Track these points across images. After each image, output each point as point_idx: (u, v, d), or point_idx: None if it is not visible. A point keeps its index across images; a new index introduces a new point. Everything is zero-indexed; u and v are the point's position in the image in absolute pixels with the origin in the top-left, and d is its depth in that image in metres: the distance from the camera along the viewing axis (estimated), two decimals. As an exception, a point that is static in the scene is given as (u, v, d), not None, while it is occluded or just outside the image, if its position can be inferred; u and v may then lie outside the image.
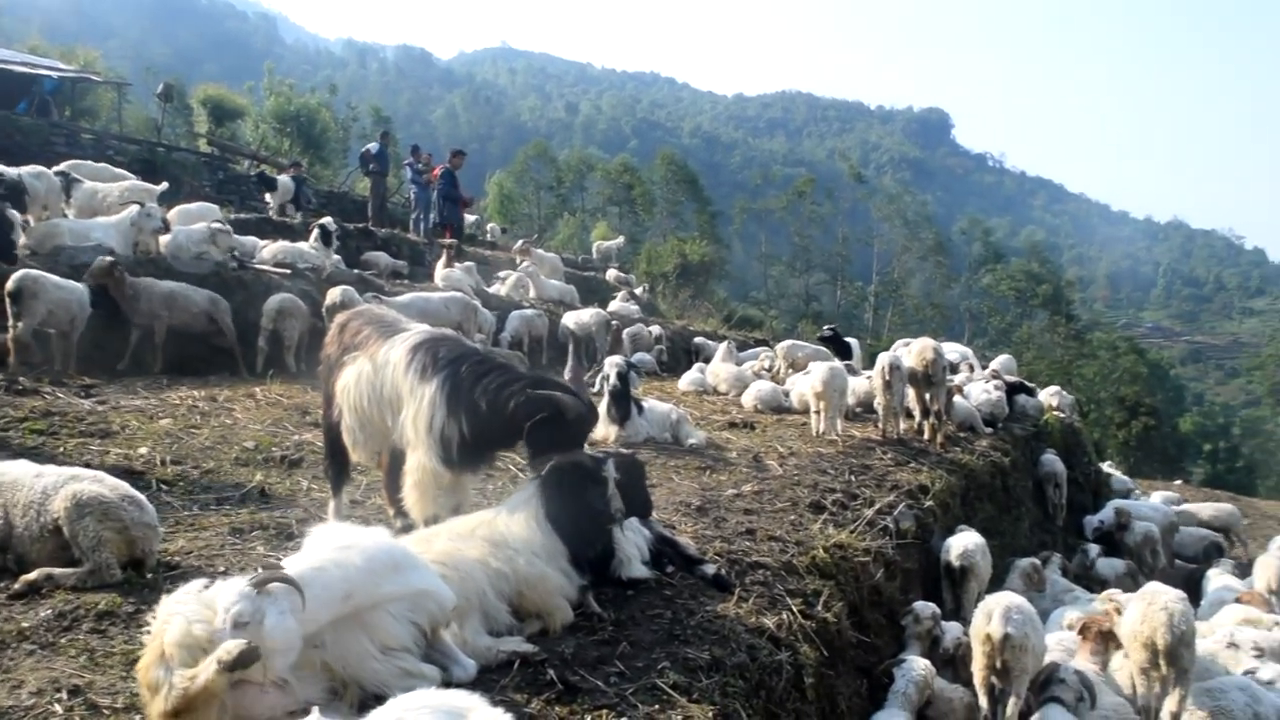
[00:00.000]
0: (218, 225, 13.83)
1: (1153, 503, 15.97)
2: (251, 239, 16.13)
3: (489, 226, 36.22)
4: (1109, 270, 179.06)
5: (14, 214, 10.83)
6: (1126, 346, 59.97)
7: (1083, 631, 7.48)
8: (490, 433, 5.12)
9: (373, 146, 26.05)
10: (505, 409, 5.00)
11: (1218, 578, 12.25)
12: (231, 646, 3.13)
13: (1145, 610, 6.60)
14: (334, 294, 12.16)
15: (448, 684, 3.77)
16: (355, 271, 16.67)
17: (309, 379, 10.67)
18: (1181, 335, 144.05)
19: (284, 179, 24.51)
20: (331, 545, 3.78)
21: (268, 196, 23.83)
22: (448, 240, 20.67)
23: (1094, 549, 12.99)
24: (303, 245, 15.86)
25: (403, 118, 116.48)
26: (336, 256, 16.52)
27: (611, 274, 30.66)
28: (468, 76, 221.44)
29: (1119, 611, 7.15)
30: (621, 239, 38.40)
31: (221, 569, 5.03)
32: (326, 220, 16.76)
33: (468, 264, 19.31)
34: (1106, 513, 14.28)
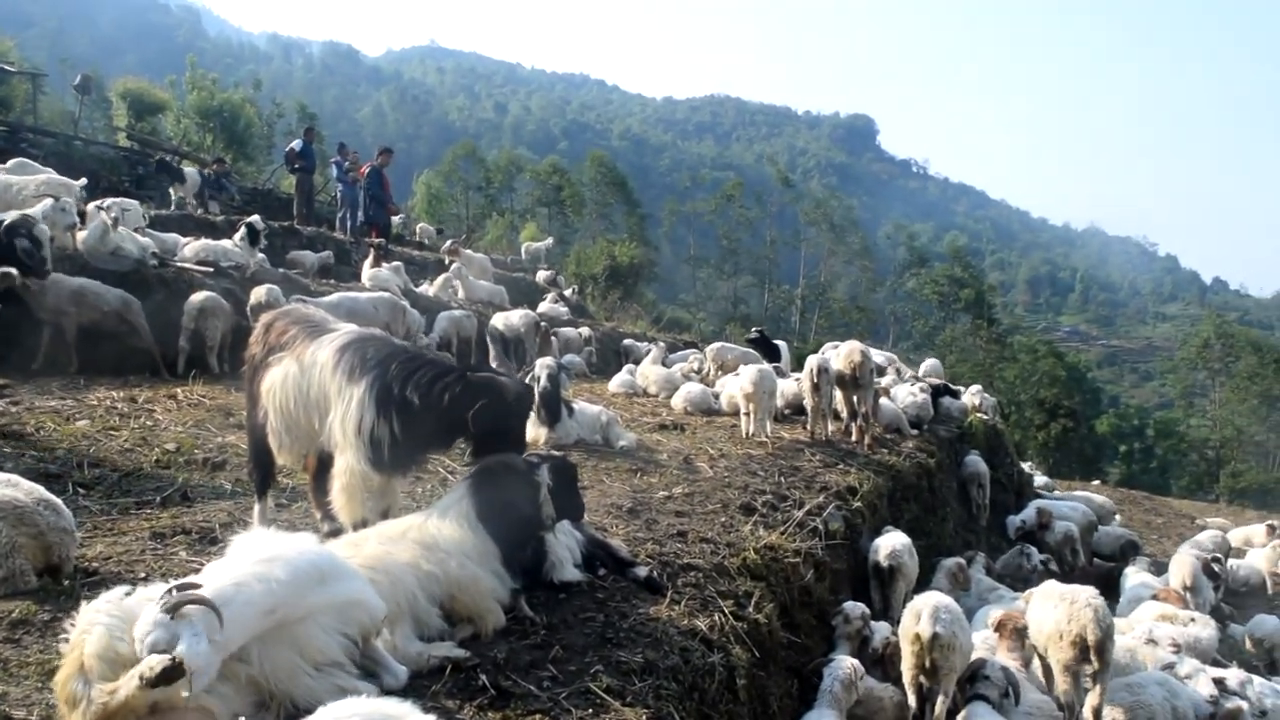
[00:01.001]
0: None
1: (1071, 503, 16.33)
2: (173, 236, 15.74)
3: (420, 227, 35.83)
4: (1029, 275, 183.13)
5: (44, 230, 10.32)
6: (1046, 350, 61.19)
7: (999, 628, 7.62)
8: (424, 430, 5.03)
9: (297, 144, 25.56)
10: (440, 403, 4.92)
11: (1135, 575, 12.57)
12: (155, 662, 3.02)
13: (1070, 609, 6.75)
14: (259, 293, 11.91)
15: (379, 691, 3.71)
16: (280, 271, 16.36)
17: (233, 380, 10.44)
18: (1098, 339, 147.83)
19: (191, 171, 23.93)
20: (254, 557, 3.62)
21: (172, 190, 23.23)
22: (375, 240, 20.39)
23: (1037, 557, 13.21)
24: (226, 243, 15.51)
25: (329, 115, 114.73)
26: (261, 255, 16.18)
27: (541, 275, 30.55)
28: (396, 75, 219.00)
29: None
30: (550, 240, 38.31)
31: (142, 575, 4.88)
32: (254, 218, 16.37)
33: (395, 264, 19.06)
34: (1028, 513, 14.59)
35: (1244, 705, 7.68)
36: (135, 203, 15.33)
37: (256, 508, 5.93)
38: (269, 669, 3.52)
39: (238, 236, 15.76)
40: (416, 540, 4.57)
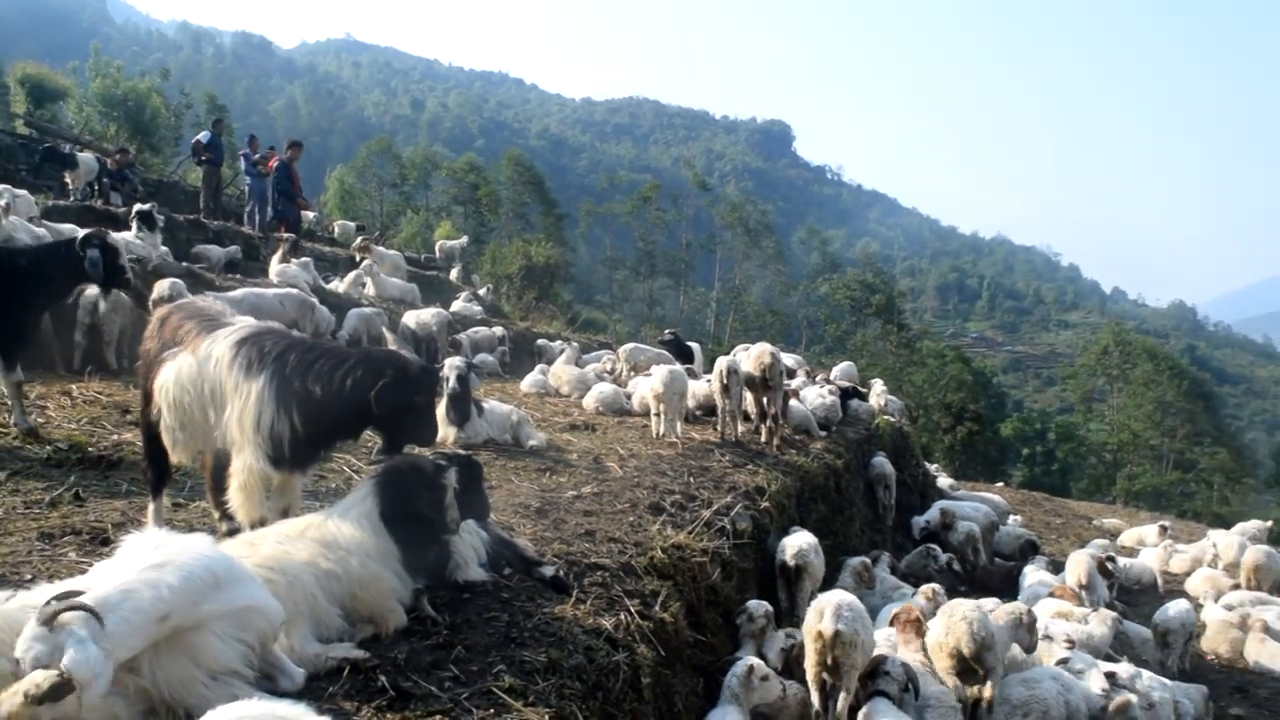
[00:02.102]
0: None
1: (973, 503, 16.71)
2: (69, 227, 15.21)
3: (338, 224, 35.15)
4: (938, 282, 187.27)
5: (118, 240, 9.79)
6: (953, 355, 62.58)
7: (895, 622, 7.79)
8: (328, 421, 4.94)
9: (205, 135, 24.88)
10: (343, 389, 4.83)
11: (1033, 574, 12.92)
12: (40, 679, 2.90)
13: (947, 622, 7.02)
14: (162, 286, 11.60)
15: (274, 694, 3.63)
16: (184, 264, 15.93)
17: (131, 376, 10.13)
18: (1003, 345, 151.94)
19: (86, 156, 23.14)
20: (144, 563, 3.48)
21: (66, 176, 22.46)
22: (284, 235, 19.98)
23: (944, 558, 13.48)
24: (127, 235, 15.05)
25: (240, 107, 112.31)
26: (164, 248, 15.74)
27: (454, 274, 30.28)
28: (309, 67, 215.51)
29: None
30: (465, 239, 37.96)
31: (29, 577, 4.70)
32: (146, 206, 15.85)
33: (305, 260, 18.72)
34: (932, 513, 14.89)
35: (1133, 698, 7.94)
36: (24, 191, 14.82)
37: (151, 507, 5.76)
38: (162, 679, 3.42)
39: (135, 227, 15.29)
40: (316, 539, 4.49)
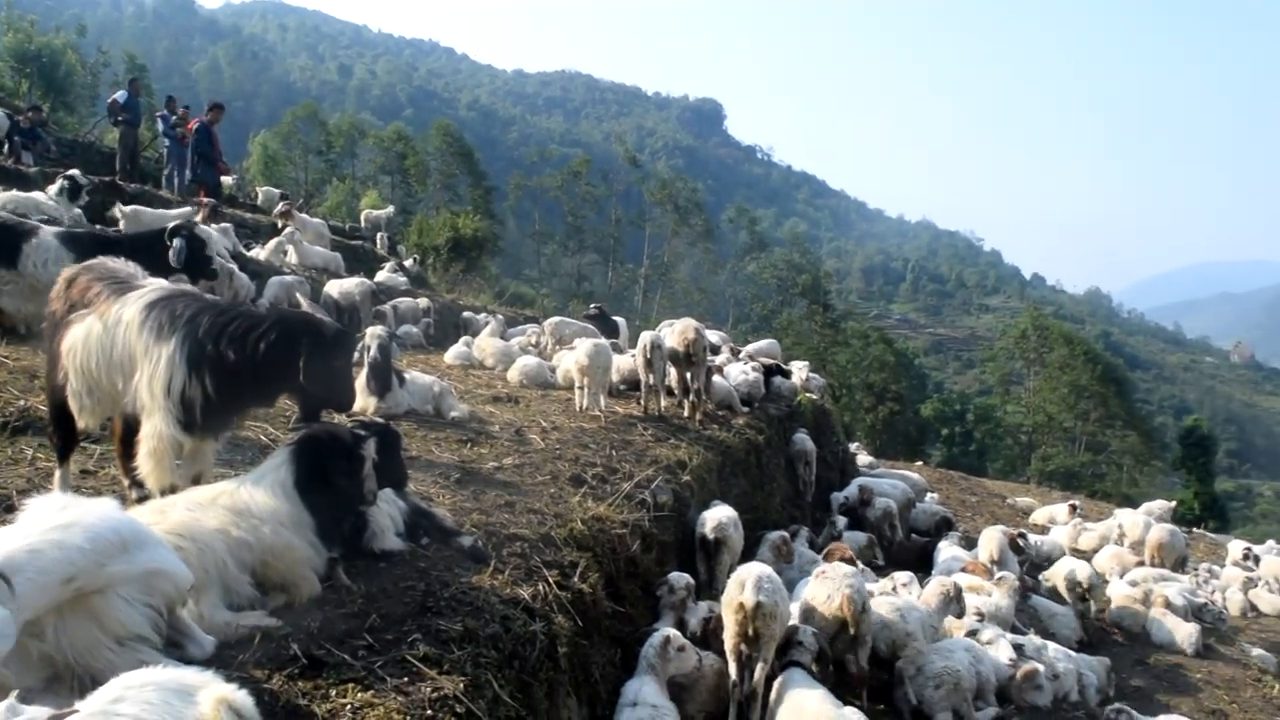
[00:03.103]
0: None
1: (891, 480, 16.99)
2: (-20, 186, 14.72)
3: (262, 190, 34.38)
4: (863, 264, 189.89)
5: (206, 231, 9.43)
6: (877, 336, 63.61)
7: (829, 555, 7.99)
8: (240, 385, 4.86)
9: (121, 95, 24.12)
10: (257, 353, 4.75)
11: (947, 549, 13.21)
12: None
13: (830, 588, 7.25)
14: (71, 250, 11.24)
15: (183, 662, 3.58)
16: (99, 228, 15.47)
17: (38, 340, 9.83)
18: (925, 327, 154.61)
19: (-4, 113, 22.39)
20: (50, 523, 3.39)
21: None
22: (204, 199, 19.50)
23: (841, 522, 13.72)
24: (39, 196, 14.57)
25: (160, 68, 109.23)
26: (78, 210, 15.28)
27: (379, 244, 29.87)
28: (234, 29, 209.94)
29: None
30: (391, 209, 37.42)
31: (-74, 544, 4.56)
32: (75, 172, 15.40)
33: (225, 225, 18.29)
34: (851, 489, 15.11)
35: (1039, 667, 8.22)
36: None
37: (57, 473, 5.60)
38: (66, 643, 3.35)
39: (54, 190, 14.82)
40: (227, 506, 4.42)
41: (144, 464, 4.92)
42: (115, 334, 4.86)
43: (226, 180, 26.06)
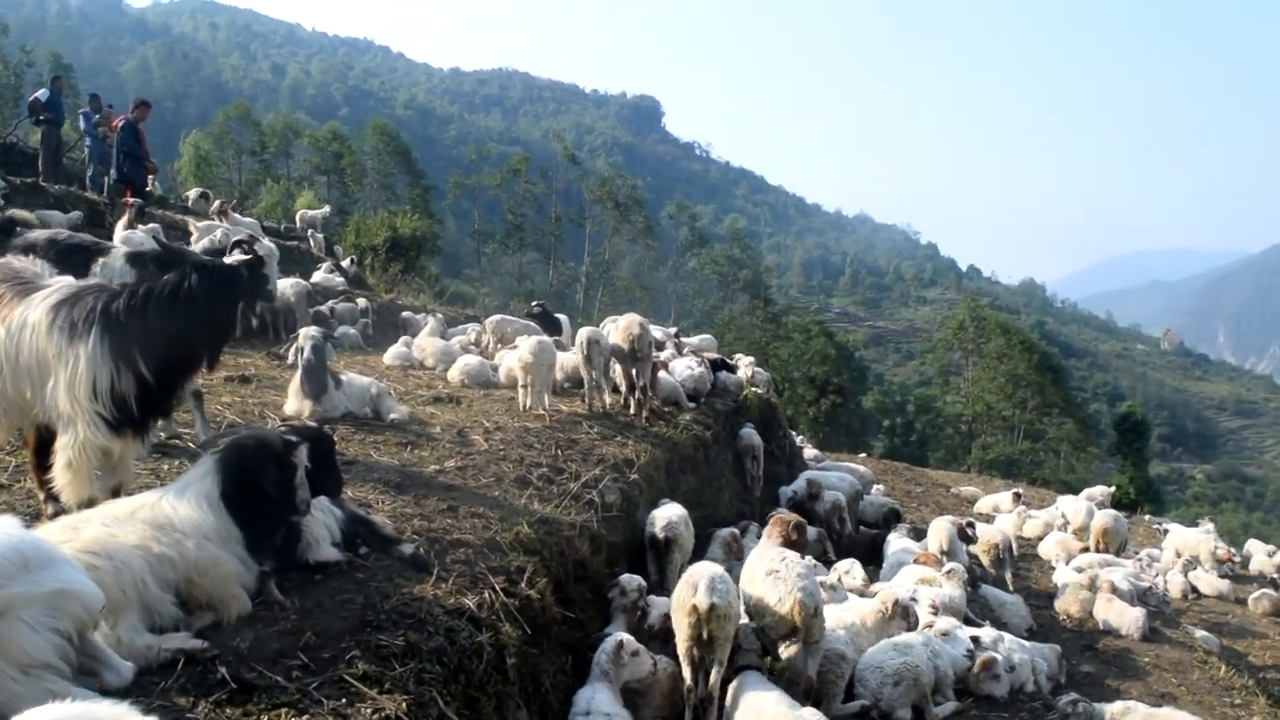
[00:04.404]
0: None
1: (839, 473, 16.95)
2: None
3: (193, 193, 33.51)
4: (803, 258, 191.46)
5: (267, 247, 8.69)
6: (818, 330, 63.95)
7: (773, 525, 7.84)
8: (181, 351, 4.60)
9: (43, 93, 23.37)
10: (194, 301, 4.50)
11: (897, 541, 13.16)
12: None
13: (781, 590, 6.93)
14: (-14, 254, 10.75)
15: (99, 691, 3.30)
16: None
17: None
18: (865, 320, 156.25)
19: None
20: None
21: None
22: (130, 199, 18.88)
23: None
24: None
25: (88, 68, 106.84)
26: (77, 214, 14.73)
27: (315, 244, 29.30)
28: (163, 28, 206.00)
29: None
30: (328, 209, 36.73)
31: None
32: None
33: (153, 226, 17.72)
34: (799, 483, 15.01)
35: (997, 656, 8.15)
36: None
37: (-34, 490, 5.27)
38: (-35, 672, 3.07)
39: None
40: (147, 521, 4.12)
41: (61, 476, 4.62)
42: (21, 339, 4.54)
43: (152, 180, 25.35)
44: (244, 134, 63.14)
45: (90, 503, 4.55)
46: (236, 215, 22.34)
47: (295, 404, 8.76)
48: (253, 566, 4.42)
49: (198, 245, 13.83)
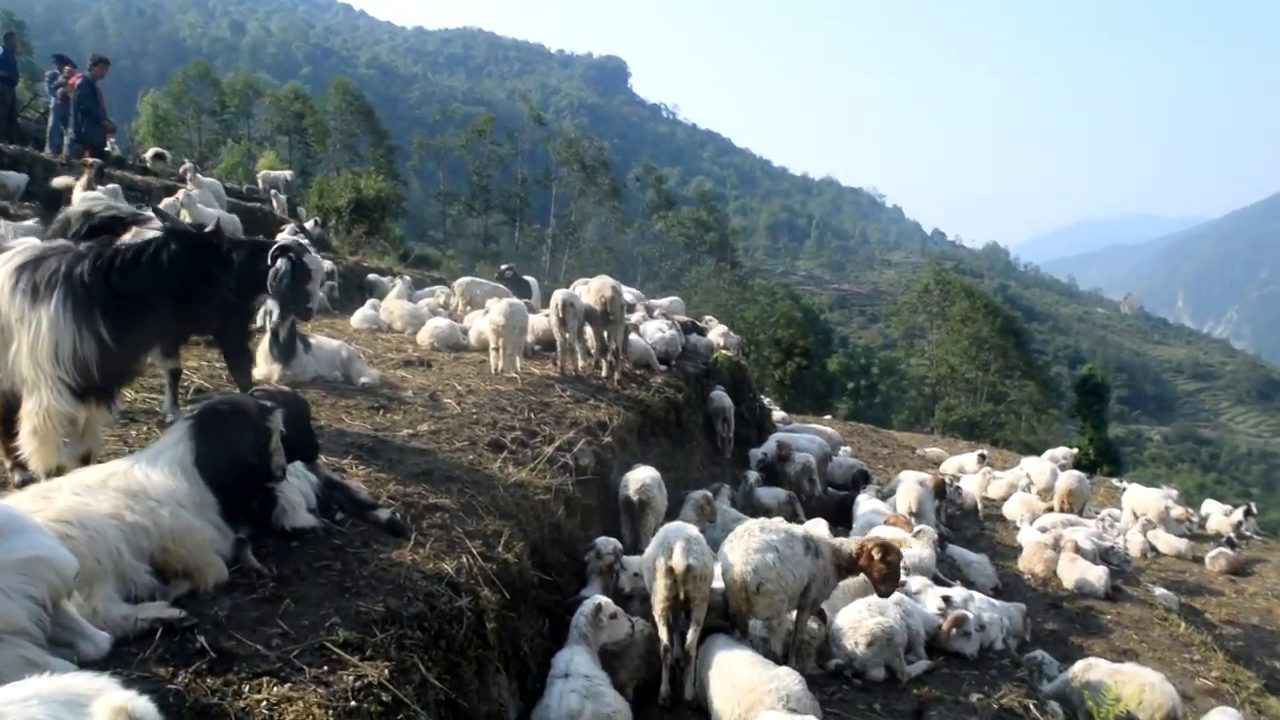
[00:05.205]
0: None
1: (809, 435, 17.03)
2: None
3: (152, 153, 32.87)
4: (769, 221, 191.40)
5: (315, 260, 8.12)
6: (784, 292, 64.10)
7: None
8: (143, 318, 4.47)
9: (-6, 51, 22.74)
10: (159, 270, 4.38)
11: (866, 503, 13.26)
12: None
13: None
14: (-59, 214, 10.50)
15: (75, 663, 3.24)
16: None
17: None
18: (830, 283, 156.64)
19: None
20: None
21: None
22: (89, 160, 18.46)
23: (753, 476, 13.65)
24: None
25: (40, 25, 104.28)
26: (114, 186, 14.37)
27: (278, 206, 28.88)
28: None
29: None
30: (290, 171, 36.20)
31: None
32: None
33: (112, 187, 17.35)
34: (769, 445, 15.07)
35: (967, 614, 8.25)
36: None
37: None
38: (-66, 642, 3.00)
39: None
40: (120, 489, 4.03)
41: (27, 444, 4.52)
42: None
43: (110, 141, 24.84)
44: (203, 93, 61.92)
45: (58, 471, 4.46)
46: (200, 176, 21.96)
47: (264, 368, 8.61)
48: (228, 534, 4.35)
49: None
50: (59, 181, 13.30)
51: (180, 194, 18.89)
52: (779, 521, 7.53)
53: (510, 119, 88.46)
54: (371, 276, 18.94)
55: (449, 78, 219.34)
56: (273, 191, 30.78)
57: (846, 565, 7.25)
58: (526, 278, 18.06)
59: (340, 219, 33.58)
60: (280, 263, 6.87)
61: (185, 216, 17.94)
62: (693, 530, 6.83)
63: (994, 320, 62.99)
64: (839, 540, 7.79)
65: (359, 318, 14.46)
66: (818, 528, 11.22)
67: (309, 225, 26.50)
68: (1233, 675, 11.88)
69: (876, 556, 7.12)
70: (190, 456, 4.31)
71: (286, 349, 8.77)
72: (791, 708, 5.66)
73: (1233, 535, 19.65)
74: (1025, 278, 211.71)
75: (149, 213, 6.60)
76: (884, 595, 7.34)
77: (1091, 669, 8.72)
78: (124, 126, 40.87)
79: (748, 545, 6.84)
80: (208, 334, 5.53)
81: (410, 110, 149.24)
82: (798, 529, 7.33)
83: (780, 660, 6.75)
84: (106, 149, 22.43)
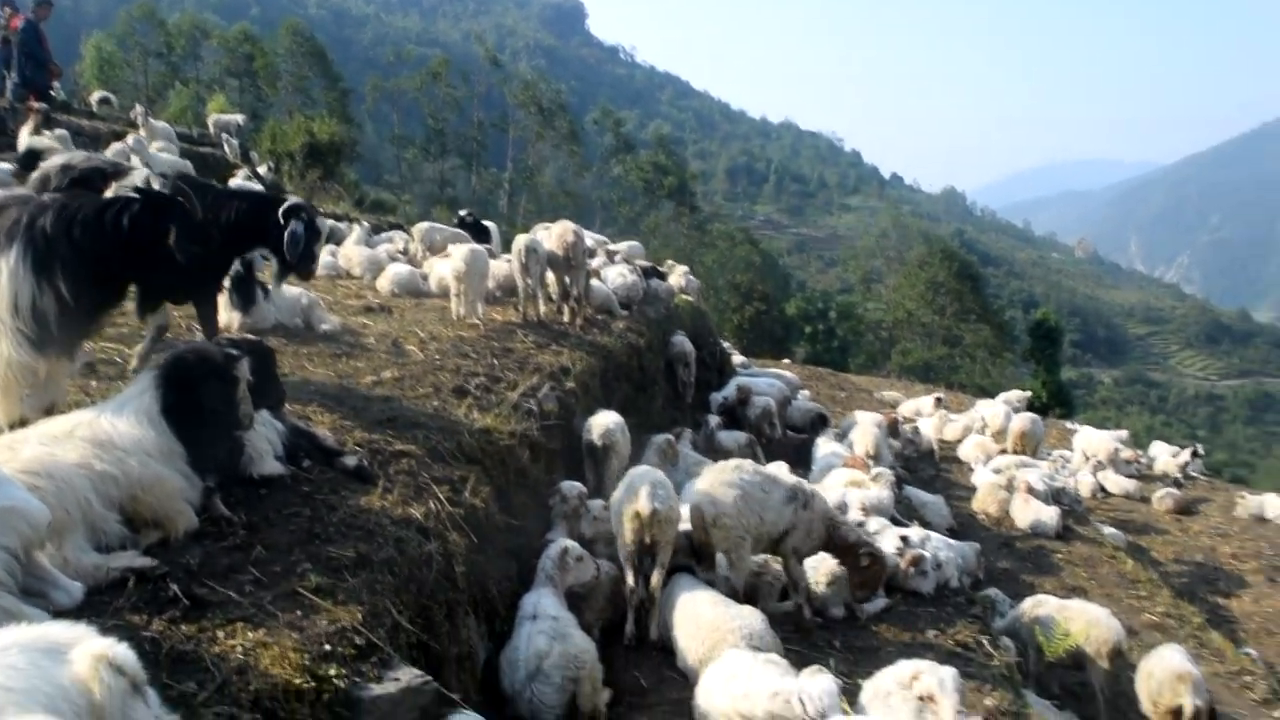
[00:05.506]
0: None
1: (768, 379, 17.17)
2: None
3: (96, 95, 32.03)
4: (728, 165, 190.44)
5: (324, 222, 7.71)
6: (742, 237, 64.17)
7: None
8: (102, 277, 4.42)
9: (-75, -8, 21.94)
10: (119, 232, 4.33)
11: (825, 445, 13.43)
12: None
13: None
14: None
15: (49, 613, 3.25)
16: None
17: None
18: (789, 228, 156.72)
19: None
20: None
21: None
22: (35, 105, 17.97)
23: (714, 420, 13.78)
24: None
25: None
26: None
27: (231, 150, 28.35)
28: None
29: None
30: (242, 116, 35.48)
31: None
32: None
33: (60, 132, 16.94)
34: (729, 389, 15.19)
35: (925, 553, 8.43)
36: None
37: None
38: (-89, 594, 3.00)
39: None
40: (87, 439, 4.01)
41: (-11, 397, 4.47)
42: None
43: (55, 85, 24.18)
44: (149, 35, 60.30)
45: (23, 423, 4.43)
46: (153, 121, 21.48)
47: (224, 316, 8.54)
48: (197, 482, 4.35)
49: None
50: (34, 143, 12.94)
51: (130, 139, 18.50)
52: (775, 468, 7.68)
53: (465, 61, 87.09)
54: (329, 222, 18.69)
55: (402, 19, 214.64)
56: (224, 136, 30.16)
57: (838, 544, 7.30)
58: (486, 223, 17.90)
59: (294, 164, 33.02)
60: (294, 224, 6.70)
61: (135, 162, 17.59)
62: (659, 475, 6.92)
63: (950, 265, 63.42)
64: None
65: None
66: (779, 471, 11.41)
67: (262, 170, 26.05)
68: (1177, 611, 12.27)
69: (865, 563, 7.20)
70: (157, 406, 4.29)
71: (246, 297, 8.71)
72: (755, 645, 5.79)
73: (1179, 476, 20.15)
74: (982, 222, 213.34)
75: (135, 164, 6.49)
76: (858, 600, 7.44)
77: (1040, 605, 8.98)
78: (68, 70, 39.80)
79: (713, 480, 7.03)
80: (177, 297, 5.40)
81: (363, 52, 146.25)
82: (790, 479, 7.45)
83: (741, 598, 6.90)
84: (52, 93, 21.82)
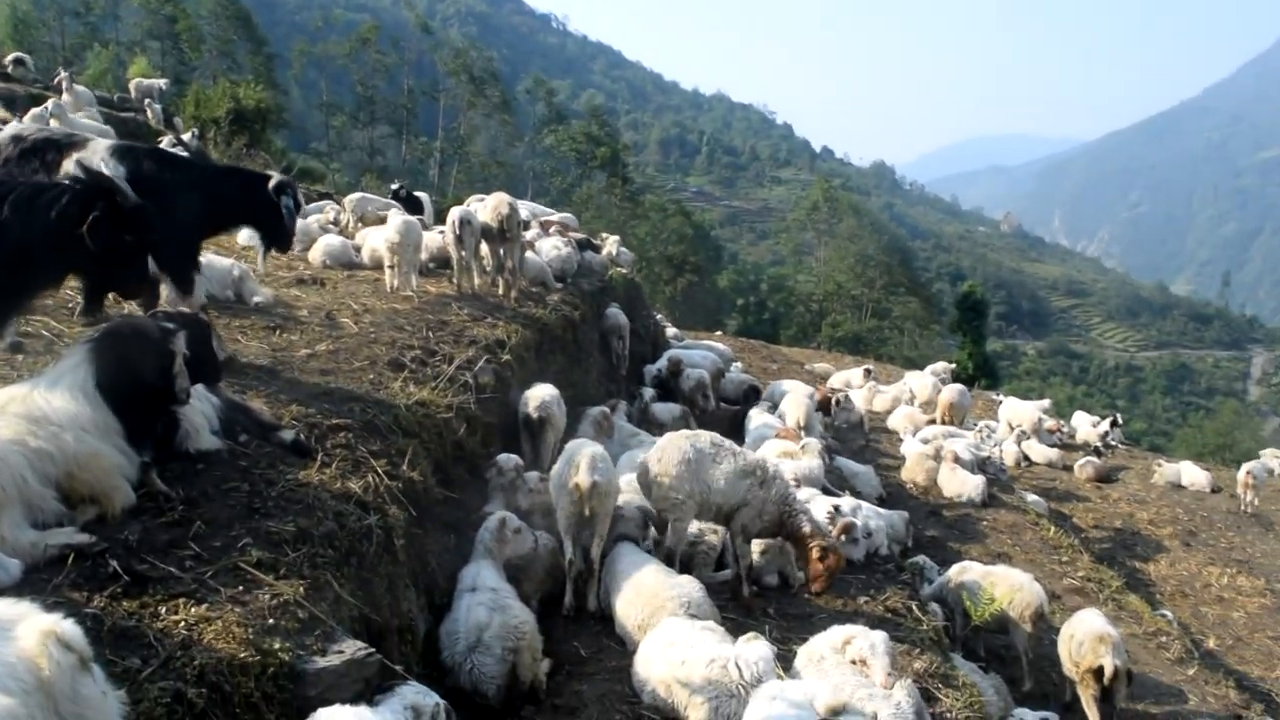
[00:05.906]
0: None
1: (702, 351, 17.30)
2: None
3: (12, 57, 30.93)
4: (660, 136, 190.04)
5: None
6: (675, 209, 64.22)
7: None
8: (26, 264, 4.34)
9: None
10: (46, 221, 4.25)
11: (758, 417, 13.60)
12: None
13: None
14: None
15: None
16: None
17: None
18: (721, 200, 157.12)
19: None
20: None
21: None
22: (-54, 67, 17.39)
23: (648, 393, 13.90)
24: None
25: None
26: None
27: (153, 116, 27.63)
28: None
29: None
30: (165, 81, 34.54)
31: None
32: None
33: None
34: (663, 362, 15.30)
35: (855, 521, 8.63)
36: None
37: None
38: None
39: None
40: (20, 414, 3.96)
41: (-85, 372, 4.38)
42: None
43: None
44: (66, -7, 58.39)
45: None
46: (79, 88, 20.86)
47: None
48: (134, 458, 4.31)
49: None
50: None
51: (50, 103, 17.94)
52: (769, 451, 7.76)
53: (395, 27, 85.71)
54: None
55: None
56: (146, 101, 29.41)
57: (791, 532, 7.24)
58: (419, 194, 17.74)
59: (219, 130, 32.28)
60: (286, 200, 6.80)
61: (54, 124, 17.09)
62: (598, 448, 7.01)
63: (880, 238, 64.38)
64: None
65: (246, 234, 14.03)
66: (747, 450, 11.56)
67: (186, 137, 25.41)
68: (1097, 575, 12.72)
69: (815, 556, 7.07)
70: (91, 380, 4.24)
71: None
72: (692, 614, 5.92)
73: (1099, 445, 20.78)
74: (910, 196, 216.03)
75: (91, 136, 6.39)
76: (813, 593, 7.38)
77: (966, 571, 9.27)
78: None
79: (666, 442, 7.22)
80: (119, 286, 5.33)
81: (289, 16, 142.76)
82: (753, 457, 7.50)
83: (676, 566, 7.02)
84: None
